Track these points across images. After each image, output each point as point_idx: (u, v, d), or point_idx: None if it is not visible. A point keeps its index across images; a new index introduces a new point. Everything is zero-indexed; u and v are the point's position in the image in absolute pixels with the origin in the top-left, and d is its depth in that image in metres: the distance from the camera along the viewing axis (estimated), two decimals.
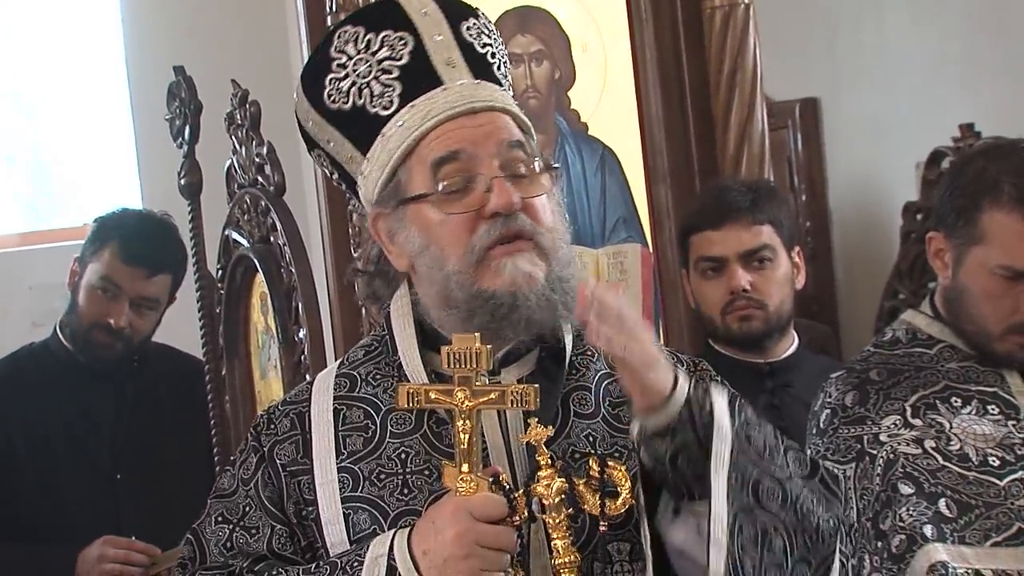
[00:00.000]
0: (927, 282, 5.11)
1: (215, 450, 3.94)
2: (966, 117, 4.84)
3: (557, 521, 2.13)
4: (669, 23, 3.80)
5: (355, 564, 2.12)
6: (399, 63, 2.27)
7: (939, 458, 2.87)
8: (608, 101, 3.80)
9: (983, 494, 2.84)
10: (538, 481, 2.14)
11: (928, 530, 2.78)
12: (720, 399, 2.18)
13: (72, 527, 4.18)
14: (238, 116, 3.67)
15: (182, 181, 3.95)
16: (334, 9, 3.46)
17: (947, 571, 2.74)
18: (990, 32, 4.63)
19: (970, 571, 2.76)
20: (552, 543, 2.13)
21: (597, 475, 2.16)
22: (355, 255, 3.44)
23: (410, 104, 2.25)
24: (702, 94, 3.79)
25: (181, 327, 4.37)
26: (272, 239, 3.55)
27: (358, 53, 2.28)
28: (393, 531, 2.14)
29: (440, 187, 2.21)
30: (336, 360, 3.39)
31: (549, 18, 3.73)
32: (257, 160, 3.61)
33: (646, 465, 2.17)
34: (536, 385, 2.11)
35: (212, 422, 3.94)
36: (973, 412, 2.94)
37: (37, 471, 4.21)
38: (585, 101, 3.78)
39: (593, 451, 2.20)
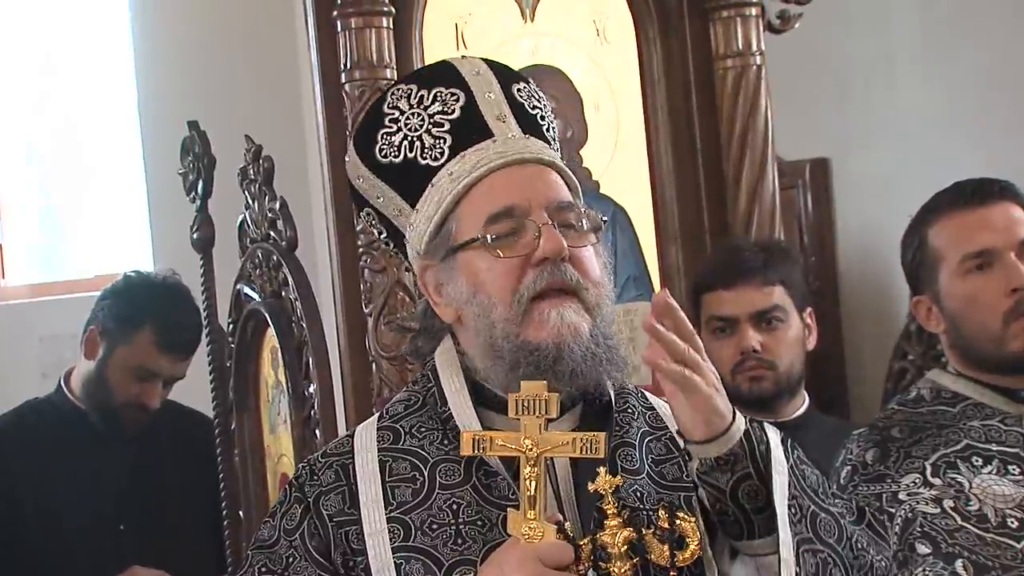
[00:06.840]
0: (936, 343, 5.10)
1: (223, 504, 3.93)
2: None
3: (622, 570, 2.13)
4: (681, 83, 3.83)
5: None
6: (450, 116, 2.31)
7: (957, 518, 2.87)
8: (620, 160, 3.82)
9: (1000, 556, 2.83)
10: (604, 530, 2.13)
11: None
12: (774, 435, 2.20)
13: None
14: (251, 171, 3.68)
15: (194, 235, 3.95)
16: (348, 67, 3.48)
17: None
18: (1001, 90, 4.63)
19: None
20: None
21: (666, 525, 2.15)
22: (366, 311, 3.45)
23: (460, 155, 2.29)
24: (714, 154, 3.81)
25: (191, 380, 4.38)
26: (283, 294, 3.56)
27: (410, 108, 2.32)
28: None
29: (489, 234, 2.24)
30: (344, 416, 3.46)
31: (563, 77, 3.75)
32: (270, 215, 3.62)
33: (706, 503, 2.18)
34: (604, 433, 2.12)
35: (220, 476, 3.93)
36: (994, 472, 2.93)
37: (42, 523, 4.24)
38: (597, 160, 3.79)
39: (642, 506, 2.21)
